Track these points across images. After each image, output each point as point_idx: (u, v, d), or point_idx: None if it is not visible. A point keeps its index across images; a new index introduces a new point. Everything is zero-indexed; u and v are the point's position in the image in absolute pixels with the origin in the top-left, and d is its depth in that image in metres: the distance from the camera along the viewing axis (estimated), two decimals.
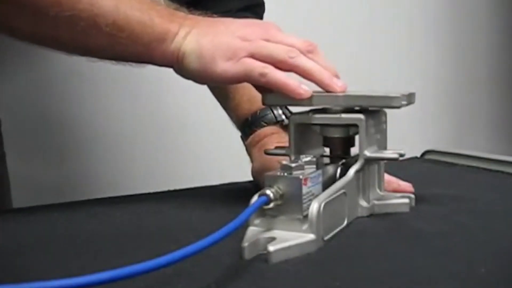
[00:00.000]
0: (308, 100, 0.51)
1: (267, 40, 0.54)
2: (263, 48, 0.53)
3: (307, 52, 0.53)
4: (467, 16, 1.51)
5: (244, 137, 0.67)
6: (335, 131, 0.52)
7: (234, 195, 0.63)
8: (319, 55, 0.54)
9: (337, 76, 0.53)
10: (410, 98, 0.52)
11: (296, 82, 0.51)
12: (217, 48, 0.53)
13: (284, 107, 0.65)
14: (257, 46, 0.53)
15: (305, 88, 0.51)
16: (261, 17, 0.76)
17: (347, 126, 0.52)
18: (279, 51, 0.53)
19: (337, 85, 0.52)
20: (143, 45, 0.54)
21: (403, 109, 0.50)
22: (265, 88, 0.54)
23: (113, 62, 0.58)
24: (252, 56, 0.53)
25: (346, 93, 0.51)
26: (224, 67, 0.53)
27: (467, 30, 1.51)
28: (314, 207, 0.42)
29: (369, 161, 0.51)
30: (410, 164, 0.81)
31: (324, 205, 0.43)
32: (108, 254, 0.44)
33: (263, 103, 0.56)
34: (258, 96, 0.57)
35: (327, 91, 0.52)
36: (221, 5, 0.72)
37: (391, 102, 0.49)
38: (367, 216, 0.51)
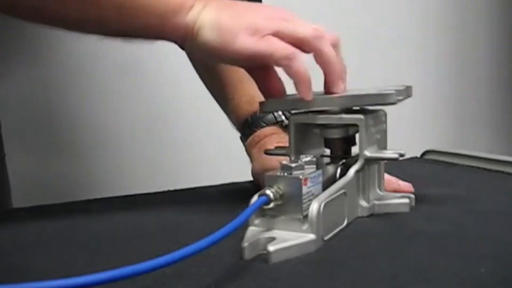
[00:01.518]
0: (306, 104, 0.51)
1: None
2: (287, 26, 0.50)
3: (330, 41, 0.51)
4: (468, 16, 1.51)
5: (244, 138, 0.67)
6: (335, 132, 0.52)
7: (234, 195, 0.63)
8: (340, 49, 0.52)
9: (344, 78, 0.52)
10: (407, 92, 0.52)
11: (310, 83, 0.49)
12: (238, 22, 0.50)
13: None
14: (281, 24, 0.50)
15: (312, 93, 0.50)
16: None
17: (347, 126, 0.52)
18: (304, 30, 0.50)
19: (340, 87, 0.51)
20: (156, 16, 0.51)
21: (403, 109, 0.50)
22: (263, 77, 0.53)
23: (119, 39, 0.55)
24: (276, 35, 0.49)
25: (341, 94, 0.51)
26: (245, 43, 0.49)
27: (467, 30, 1.51)
28: (314, 207, 0.42)
29: (369, 161, 0.51)
30: (410, 164, 0.81)
31: (324, 205, 0.43)
32: (108, 254, 0.44)
33: (262, 111, 0.55)
34: (257, 96, 0.57)
35: (328, 88, 0.51)
36: None
37: (386, 99, 0.49)
38: (367, 216, 0.51)
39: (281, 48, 0.49)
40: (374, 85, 0.54)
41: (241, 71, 0.69)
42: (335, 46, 0.51)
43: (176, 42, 0.54)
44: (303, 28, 0.50)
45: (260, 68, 0.54)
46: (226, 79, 0.70)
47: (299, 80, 0.49)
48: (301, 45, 0.49)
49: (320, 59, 0.51)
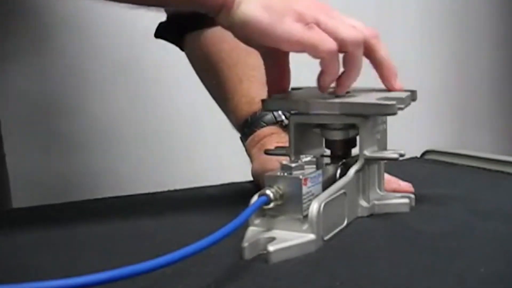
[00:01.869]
0: (305, 107, 0.51)
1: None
2: (330, 21, 0.49)
3: (372, 38, 0.50)
4: (470, 16, 1.51)
5: (244, 138, 0.67)
6: (336, 134, 0.52)
7: (234, 195, 0.63)
8: (383, 45, 0.51)
9: (394, 75, 0.52)
10: (411, 97, 0.52)
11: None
12: (286, 4, 0.48)
13: None
14: (324, 17, 0.49)
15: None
16: None
17: (348, 128, 0.52)
18: (346, 32, 0.48)
19: (398, 85, 0.52)
20: None
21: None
22: (277, 68, 0.53)
23: (153, 8, 0.53)
24: (318, 26, 0.48)
25: (342, 99, 0.51)
26: (292, 27, 0.47)
27: (468, 30, 1.51)
28: (314, 207, 0.42)
29: (369, 161, 0.51)
30: (410, 164, 0.81)
31: (324, 205, 0.43)
32: (108, 254, 0.44)
33: (263, 109, 0.55)
34: (257, 97, 0.57)
35: (387, 86, 0.52)
36: None
37: (387, 110, 0.49)
38: (367, 216, 0.51)
39: (327, 42, 0.48)
40: (376, 85, 0.54)
41: (241, 71, 0.69)
42: (369, 42, 0.50)
43: (208, 12, 0.51)
44: (345, 29, 0.49)
45: (279, 58, 0.54)
46: (226, 79, 0.70)
47: (331, 74, 0.49)
48: (339, 45, 0.49)
49: (351, 65, 0.50)
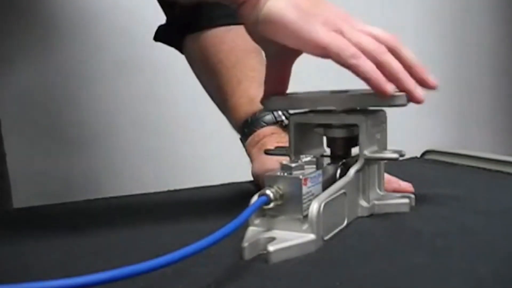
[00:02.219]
0: (310, 102, 0.50)
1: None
2: (351, 30, 0.48)
3: (393, 48, 0.49)
4: (470, 15, 1.51)
5: (244, 138, 0.67)
6: (340, 132, 0.52)
7: (234, 195, 0.63)
8: (402, 50, 0.49)
9: (426, 73, 0.49)
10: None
11: (383, 76, 0.47)
12: (315, 8, 0.48)
13: None
14: (347, 26, 0.48)
15: (391, 84, 0.47)
16: None
17: (351, 126, 0.51)
18: (368, 43, 0.48)
19: (420, 94, 0.48)
20: None
21: (403, 109, 0.50)
22: (281, 69, 0.51)
23: None
24: (341, 33, 0.48)
25: (349, 93, 0.51)
26: (318, 30, 0.47)
27: (469, 30, 1.51)
28: (314, 207, 0.42)
29: (369, 161, 0.51)
30: (410, 164, 0.81)
31: (324, 205, 0.43)
32: (108, 254, 0.44)
33: (264, 110, 0.55)
34: (256, 97, 0.56)
35: (422, 84, 0.49)
36: (220, 9, 0.72)
37: (397, 101, 0.48)
38: (367, 216, 0.51)
39: (351, 48, 0.47)
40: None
41: (240, 72, 0.69)
42: (394, 49, 0.49)
43: (231, 3, 0.50)
44: (368, 41, 0.48)
45: (286, 61, 0.53)
46: (225, 80, 0.70)
47: (369, 79, 0.46)
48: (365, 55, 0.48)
49: (387, 74, 0.48)
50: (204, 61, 0.73)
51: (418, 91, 0.48)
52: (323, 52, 0.47)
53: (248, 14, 0.50)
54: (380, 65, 0.47)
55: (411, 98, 0.48)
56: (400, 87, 0.48)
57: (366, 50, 0.47)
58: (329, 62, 0.48)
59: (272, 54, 0.54)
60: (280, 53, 0.53)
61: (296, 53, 0.53)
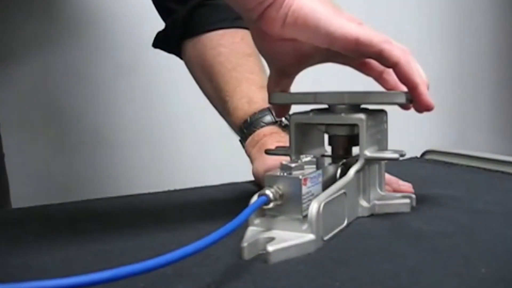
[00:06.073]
0: (313, 98, 0.50)
1: None
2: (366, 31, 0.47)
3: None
4: (470, 16, 1.51)
5: (243, 139, 0.67)
6: (342, 129, 0.52)
7: (234, 195, 0.63)
8: (414, 60, 0.49)
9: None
10: (410, 96, 0.52)
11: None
12: (335, 6, 0.48)
13: None
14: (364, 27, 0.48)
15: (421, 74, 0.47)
16: None
17: (352, 124, 0.51)
18: (393, 40, 0.48)
19: (431, 101, 0.48)
20: None
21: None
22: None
23: None
24: None
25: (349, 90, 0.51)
26: (345, 23, 0.46)
27: (469, 30, 1.51)
28: (314, 207, 0.42)
29: (369, 161, 0.51)
30: (410, 164, 0.81)
31: (324, 205, 0.43)
32: (108, 254, 0.44)
33: (270, 102, 0.55)
34: (255, 97, 0.56)
35: (419, 101, 0.48)
36: (218, 13, 0.72)
37: (399, 99, 0.48)
38: (368, 216, 0.51)
39: (380, 33, 0.46)
40: (376, 87, 0.54)
41: (239, 74, 0.69)
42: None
43: (258, 4, 0.48)
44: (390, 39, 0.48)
45: (290, 74, 0.53)
46: (224, 82, 0.70)
47: (402, 60, 0.46)
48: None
49: (403, 74, 0.48)
50: (203, 64, 0.73)
51: (429, 97, 0.48)
52: (355, 43, 0.46)
53: (275, 15, 0.48)
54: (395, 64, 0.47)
55: (419, 102, 0.48)
56: (413, 90, 0.48)
57: (393, 45, 0.47)
58: (329, 70, 0.47)
59: (277, 68, 0.54)
60: (285, 68, 0.53)
61: (299, 68, 0.53)
